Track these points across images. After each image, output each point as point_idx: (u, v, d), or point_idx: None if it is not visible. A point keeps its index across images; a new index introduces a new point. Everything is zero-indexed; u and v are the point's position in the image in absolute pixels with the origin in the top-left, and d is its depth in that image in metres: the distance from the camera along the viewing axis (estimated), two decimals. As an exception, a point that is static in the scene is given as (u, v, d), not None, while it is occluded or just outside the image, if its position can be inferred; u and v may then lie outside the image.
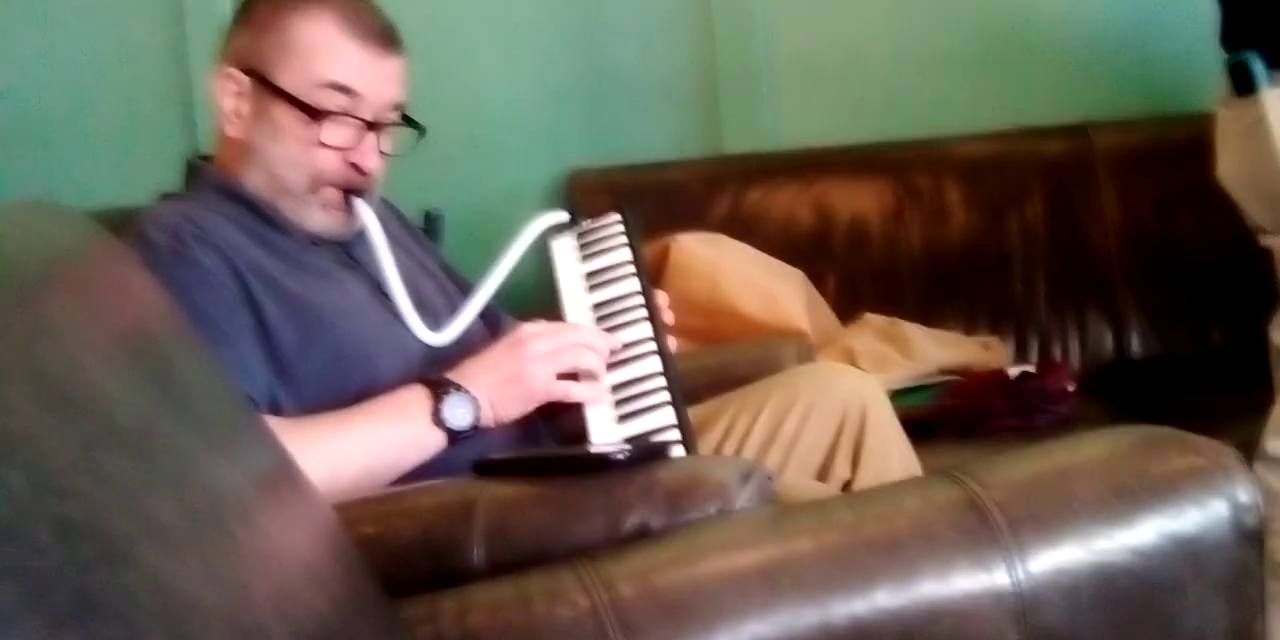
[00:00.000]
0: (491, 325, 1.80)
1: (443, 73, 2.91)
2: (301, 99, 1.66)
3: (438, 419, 1.56)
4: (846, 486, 1.76)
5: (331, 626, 0.95)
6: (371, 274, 1.72)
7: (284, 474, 1.11)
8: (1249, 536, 1.19)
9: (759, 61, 3.06)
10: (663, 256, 2.67)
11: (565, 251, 1.82)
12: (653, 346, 1.66)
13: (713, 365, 2.10)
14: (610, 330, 1.69)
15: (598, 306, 1.73)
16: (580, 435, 1.60)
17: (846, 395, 1.80)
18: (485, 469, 1.43)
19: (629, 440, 1.55)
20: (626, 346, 1.66)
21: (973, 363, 2.65)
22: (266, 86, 1.68)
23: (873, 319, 2.75)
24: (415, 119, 1.75)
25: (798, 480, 1.74)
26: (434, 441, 1.57)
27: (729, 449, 1.79)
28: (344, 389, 1.59)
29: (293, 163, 1.68)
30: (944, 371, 2.62)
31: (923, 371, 2.60)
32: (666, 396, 1.60)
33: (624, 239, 1.80)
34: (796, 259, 2.79)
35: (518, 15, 3.08)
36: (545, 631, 1.13)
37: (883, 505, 1.22)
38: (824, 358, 2.50)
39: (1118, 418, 2.42)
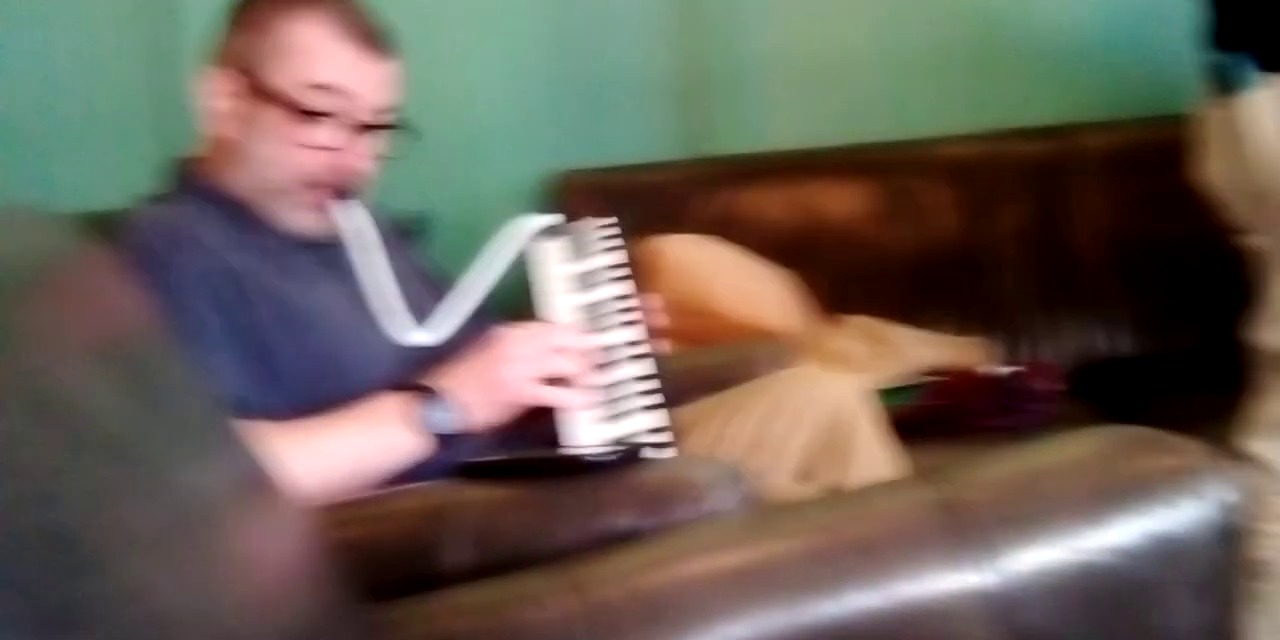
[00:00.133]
0: (479, 330, 1.80)
1: (430, 74, 2.89)
2: (292, 99, 1.66)
3: (419, 425, 1.56)
4: (832, 490, 1.76)
5: (311, 631, 0.95)
6: (353, 275, 1.72)
7: (262, 480, 1.11)
8: (1228, 536, 1.19)
9: (746, 63, 3.06)
10: (648, 258, 2.66)
11: (551, 254, 1.82)
12: (640, 349, 1.66)
13: (697, 366, 2.10)
14: (598, 332, 1.69)
15: (584, 310, 1.73)
16: (558, 439, 1.60)
17: (833, 400, 1.80)
18: (466, 472, 1.44)
19: (612, 443, 1.55)
20: (613, 349, 1.66)
21: (957, 363, 2.66)
22: (258, 87, 1.68)
23: (858, 320, 2.75)
24: (407, 123, 1.75)
25: (784, 483, 1.74)
26: (413, 446, 1.56)
27: (714, 452, 1.78)
28: (327, 392, 1.59)
29: (282, 163, 1.68)
30: (929, 372, 2.63)
31: (908, 372, 2.60)
32: (652, 399, 1.60)
33: (613, 241, 1.79)
34: (783, 260, 2.79)
35: (504, 17, 3.07)
36: (526, 635, 1.13)
37: (859, 507, 1.23)
38: (809, 359, 2.50)
39: (1100, 418, 2.42)
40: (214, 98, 1.71)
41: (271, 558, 0.99)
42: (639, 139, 3.08)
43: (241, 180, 1.70)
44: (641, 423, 1.58)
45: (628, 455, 1.40)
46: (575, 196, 2.88)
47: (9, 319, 0.84)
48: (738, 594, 1.12)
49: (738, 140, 3.06)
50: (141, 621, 0.73)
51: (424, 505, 1.36)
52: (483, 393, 1.59)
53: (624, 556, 1.21)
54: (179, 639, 0.76)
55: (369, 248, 1.69)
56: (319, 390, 1.59)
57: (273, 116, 1.67)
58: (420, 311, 1.72)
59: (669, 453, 1.54)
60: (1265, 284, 2.11)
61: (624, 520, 1.27)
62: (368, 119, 1.70)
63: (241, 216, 1.69)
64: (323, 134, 1.67)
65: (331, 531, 1.22)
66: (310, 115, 1.66)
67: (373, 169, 1.73)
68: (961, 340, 2.76)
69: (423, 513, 1.34)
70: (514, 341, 1.62)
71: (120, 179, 1.82)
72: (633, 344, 1.66)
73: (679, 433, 1.60)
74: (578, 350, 1.63)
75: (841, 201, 2.91)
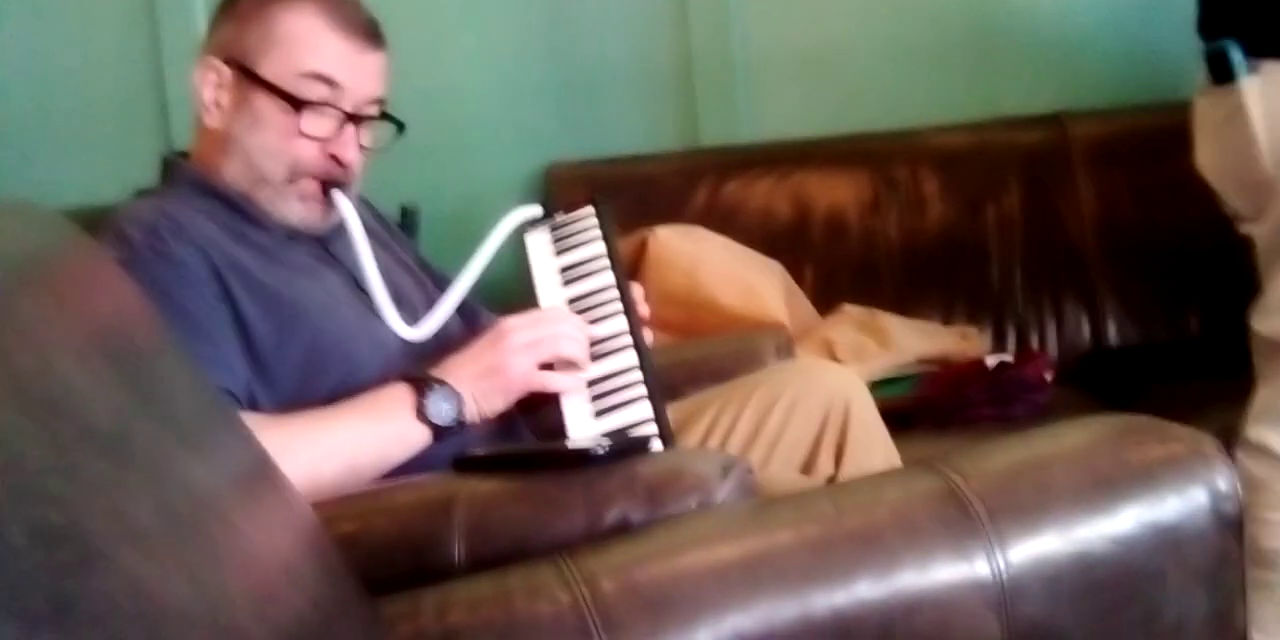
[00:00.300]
0: (469, 320, 1.80)
1: (419, 67, 2.90)
2: (282, 88, 1.66)
3: (421, 415, 1.56)
4: (830, 482, 1.76)
5: (311, 625, 0.95)
6: (349, 269, 1.72)
7: (262, 473, 1.10)
8: (1228, 524, 1.19)
9: (735, 54, 3.06)
10: (640, 249, 2.66)
11: (540, 245, 1.81)
12: (629, 340, 1.66)
13: (691, 358, 2.10)
14: (589, 323, 1.69)
15: (573, 300, 1.73)
16: (559, 430, 1.60)
17: (830, 391, 1.80)
18: (464, 465, 1.43)
19: (608, 435, 1.55)
20: (603, 340, 1.66)
21: (951, 353, 2.66)
22: (248, 77, 1.68)
23: (851, 310, 2.75)
24: (395, 115, 1.75)
25: (781, 475, 1.74)
26: (418, 437, 1.56)
27: (713, 444, 1.79)
28: (321, 384, 1.59)
29: (272, 152, 1.68)
30: (922, 361, 2.63)
31: (901, 362, 2.60)
32: (643, 391, 1.60)
33: (598, 232, 1.79)
34: (774, 251, 2.79)
35: (494, 9, 3.07)
36: (526, 627, 1.13)
37: (863, 497, 1.22)
38: (802, 349, 2.50)
39: (1095, 407, 2.42)
40: (205, 89, 1.70)
41: (272, 552, 0.98)
42: (628, 130, 3.08)
43: (233, 172, 1.69)
44: (635, 414, 1.58)
45: (626, 447, 1.40)
46: (568, 188, 2.88)
47: (5, 314, 0.83)
48: (742, 585, 1.11)
49: (730, 131, 3.06)
50: (141, 616, 0.73)
51: (424, 498, 1.35)
52: (484, 381, 1.59)
53: (625, 548, 1.21)
54: (180, 634, 0.76)
55: (360, 239, 1.68)
56: (316, 380, 1.59)
57: (264, 107, 1.67)
58: (408, 305, 1.72)
59: (663, 444, 1.53)
60: (1261, 272, 2.11)
61: (624, 512, 1.27)
62: (358, 109, 1.70)
63: (232, 209, 1.68)
64: (314, 124, 1.67)
65: (331, 525, 1.21)
66: (301, 105, 1.66)
67: (363, 160, 1.72)
68: (954, 329, 2.76)
69: (423, 506, 1.34)
70: (515, 329, 1.62)
71: (120, 174, 1.82)
72: (622, 335, 1.66)
73: (674, 424, 1.60)
74: (578, 335, 1.63)
75: (834, 191, 2.91)
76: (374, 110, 1.73)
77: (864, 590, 1.11)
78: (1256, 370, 2.09)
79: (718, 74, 3.06)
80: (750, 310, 2.60)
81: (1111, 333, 2.81)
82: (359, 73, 1.70)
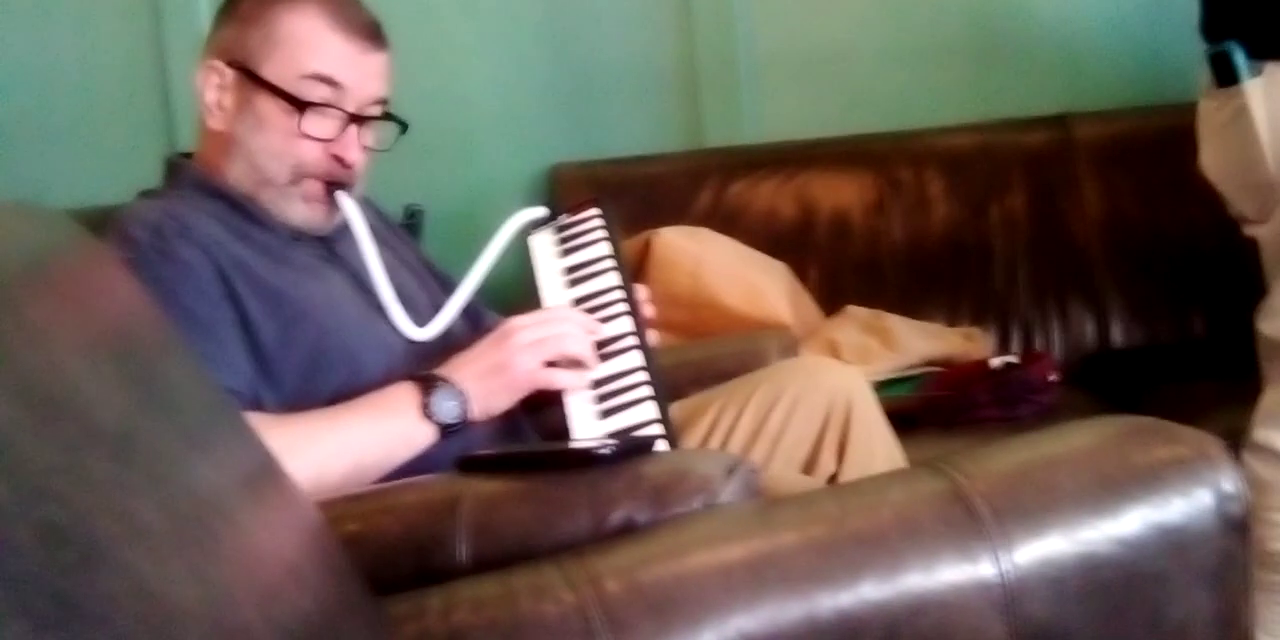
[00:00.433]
0: (473, 321, 1.80)
1: (424, 68, 2.90)
2: (285, 89, 1.66)
3: (426, 413, 1.56)
4: (832, 480, 1.76)
5: (316, 625, 0.95)
6: (353, 269, 1.72)
7: (267, 473, 1.10)
8: (1234, 525, 1.19)
9: (739, 54, 3.06)
10: (645, 250, 2.67)
11: (544, 246, 1.81)
12: (634, 341, 1.66)
13: (696, 359, 2.10)
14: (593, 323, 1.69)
15: (578, 302, 1.73)
16: (563, 430, 1.60)
17: (832, 389, 1.80)
18: (469, 465, 1.43)
19: (613, 435, 1.55)
20: (608, 341, 1.66)
21: (955, 354, 2.66)
22: (251, 78, 1.68)
23: (855, 311, 2.75)
24: (399, 115, 1.75)
25: (784, 474, 1.74)
26: (423, 436, 1.56)
27: (715, 443, 1.79)
28: (326, 383, 1.59)
29: (275, 154, 1.68)
30: (927, 362, 2.62)
31: (906, 363, 2.60)
32: (648, 391, 1.60)
33: (603, 233, 1.79)
34: (779, 251, 2.79)
35: (499, 10, 3.07)
36: (531, 628, 1.12)
37: (868, 498, 1.22)
38: (807, 350, 2.50)
39: (1100, 408, 2.42)
40: (208, 90, 1.70)
41: (277, 551, 0.98)
42: (633, 131, 3.08)
43: (237, 173, 1.69)
44: (640, 414, 1.58)
45: (631, 448, 1.40)
46: (571, 189, 2.88)
47: (11, 315, 0.83)
48: (747, 586, 1.11)
49: (734, 132, 3.06)
50: (146, 616, 0.73)
51: (429, 498, 1.35)
52: (490, 379, 1.59)
53: (630, 549, 1.21)
54: (184, 634, 0.76)
55: (365, 239, 1.68)
56: (321, 379, 1.59)
57: (267, 108, 1.67)
58: (412, 305, 1.72)
59: (667, 444, 1.53)
60: (1266, 274, 2.11)
61: (629, 512, 1.27)
62: (361, 110, 1.70)
63: (236, 209, 1.68)
64: (316, 125, 1.67)
65: (336, 525, 1.21)
66: (304, 104, 1.66)
67: (367, 160, 1.72)
68: (959, 331, 2.76)
69: (427, 506, 1.33)
70: (520, 327, 1.62)
71: (124, 174, 1.82)
72: (627, 335, 1.66)
73: (678, 424, 1.59)
74: (585, 332, 1.63)
75: (838, 192, 2.91)
76: (377, 111, 1.73)
77: (869, 591, 1.11)
78: (1263, 372, 2.09)
79: (722, 75, 3.06)
80: (755, 311, 2.60)
81: (1116, 334, 2.81)
82: (361, 73, 1.70)
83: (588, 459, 1.36)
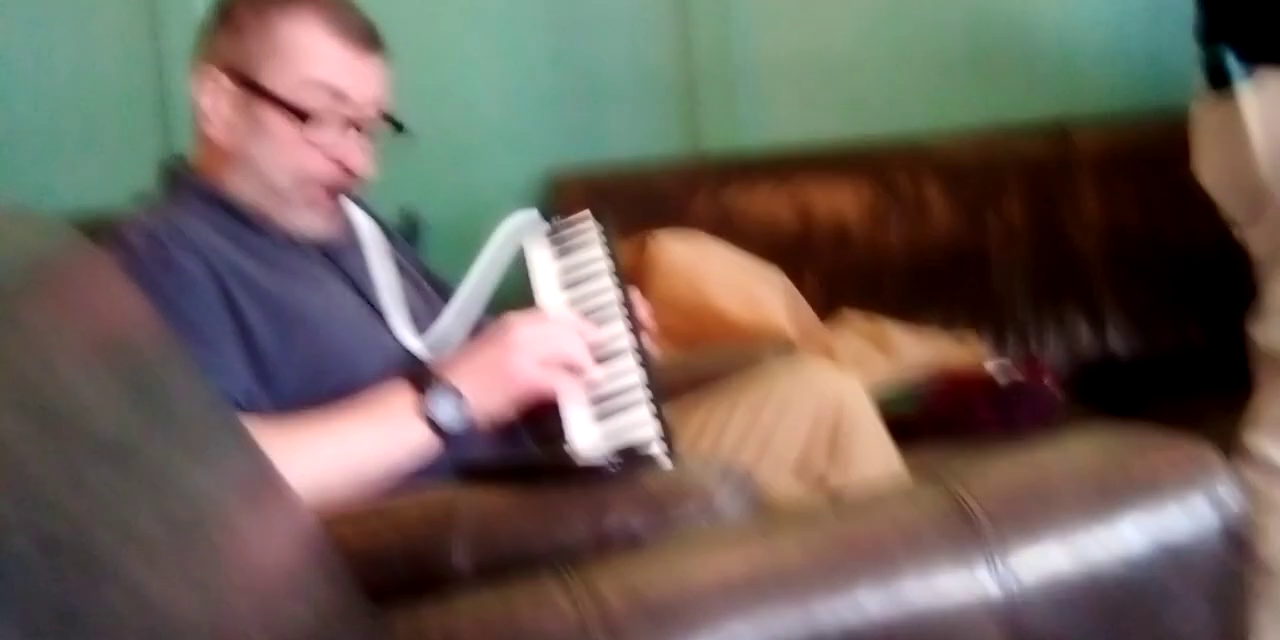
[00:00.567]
0: (474, 327, 1.79)
1: (421, 73, 2.89)
2: (288, 100, 1.66)
3: (423, 413, 1.55)
4: (822, 480, 1.75)
5: (315, 635, 0.95)
6: (351, 275, 1.72)
7: (265, 481, 1.10)
8: (1233, 537, 1.19)
9: (738, 60, 3.06)
10: (642, 256, 2.66)
11: (540, 252, 1.81)
12: (630, 346, 1.65)
13: (693, 365, 2.10)
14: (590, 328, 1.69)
15: (573, 305, 1.72)
16: (559, 434, 1.59)
17: (822, 388, 1.80)
18: (469, 474, 1.43)
19: (612, 445, 1.54)
20: (604, 346, 1.65)
21: (954, 362, 2.65)
22: (252, 88, 1.67)
23: (854, 318, 2.75)
24: (401, 119, 1.75)
25: (775, 476, 1.73)
26: (420, 437, 1.56)
27: (705, 443, 1.78)
28: (325, 390, 1.59)
29: (281, 164, 1.67)
30: (925, 371, 2.62)
31: (904, 370, 2.60)
32: (645, 395, 1.60)
33: (599, 238, 1.79)
34: (776, 258, 2.79)
35: (498, 15, 3.07)
36: (530, 638, 1.12)
37: (868, 510, 1.22)
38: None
39: (1099, 417, 2.42)
40: (205, 99, 1.69)
41: (275, 561, 0.98)
42: (631, 137, 3.08)
43: (239, 182, 1.69)
44: (636, 420, 1.58)
45: (630, 458, 1.40)
46: (571, 195, 2.88)
47: (10, 323, 0.83)
48: (747, 597, 1.11)
49: (732, 138, 3.06)
50: (147, 627, 0.73)
51: (428, 508, 1.35)
52: (486, 376, 1.59)
53: (629, 560, 1.21)
54: (184, 645, 0.76)
55: (371, 246, 1.68)
56: (320, 386, 1.58)
57: (269, 117, 1.67)
58: (416, 311, 1.72)
59: (668, 452, 1.53)
60: (1257, 277, 2.11)
61: (626, 522, 1.27)
62: (364, 116, 1.69)
63: (234, 217, 1.68)
64: (320, 133, 1.66)
65: (334, 533, 1.21)
66: (308, 114, 1.65)
67: (370, 166, 1.72)
68: (958, 339, 2.76)
69: (427, 516, 1.33)
70: (518, 327, 1.61)
71: (121, 179, 1.81)
72: (623, 340, 1.65)
73: (676, 431, 1.59)
74: (583, 337, 1.63)
75: (837, 199, 2.90)
76: (379, 115, 1.73)
77: (868, 603, 1.11)
78: (1254, 377, 2.09)
79: (720, 80, 3.06)
80: (752, 317, 2.60)
81: (1115, 342, 2.80)
82: (362, 79, 1.70)
83: (588, 469, 1.36)
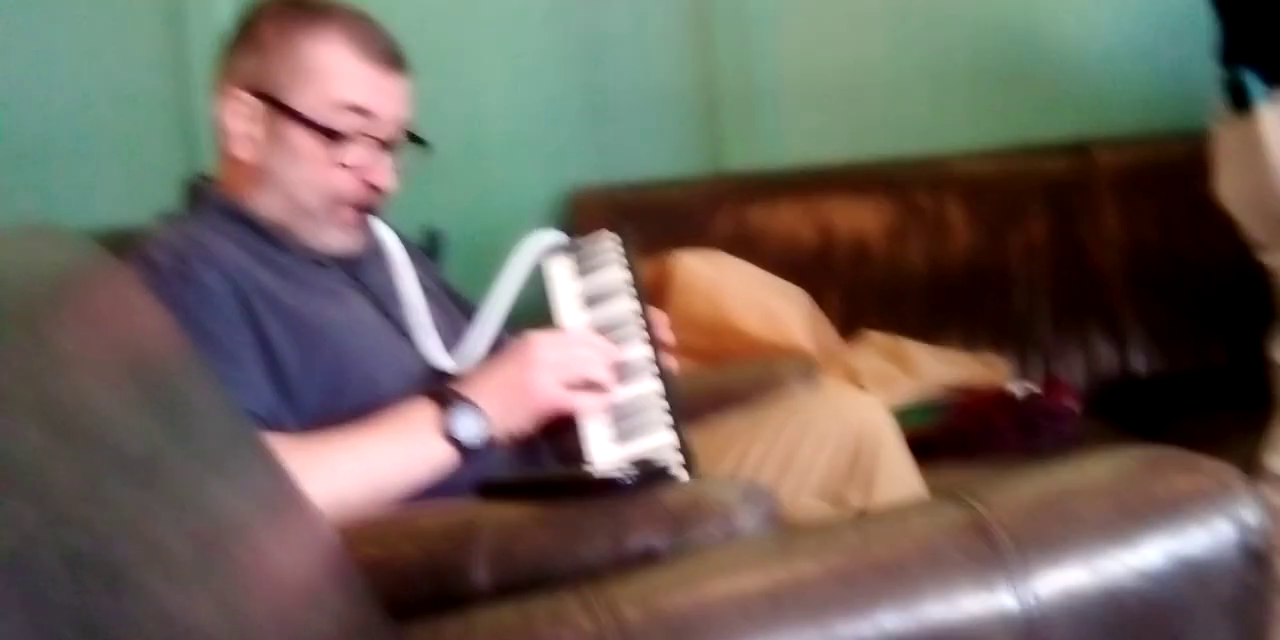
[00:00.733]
0: (494, 347, 1.79)
1: (444, 92, 2.91)
2: (316, 120, 1.66)
3: (445, 431, 1.56)
4: (846, 504, 1.75)
5: (336, 651, 0.95)
6: (376, 293, 1.73)
7: (287, 497, 1.11)
8: (1254, 557, 1.18)
9: (760, 79, 3.06)
10: (664, 275, 2.66)
11: (561, 270, 1.82)
12: (651, 365, 1.66)
13: (714, 383, 2.10)
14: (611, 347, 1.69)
15: (594, 324, 1.73)
16: (579, 454, 1.59)
17: (847, 413, 1.80)
18: (488, 491, 1.43)
19: (634, 463, 1.54)
20: (625, 365, 1.66)
21: (975, 380, 2.65)
22: (280, 109, 1.68)
23: (875, 337, 2.74)
24: (425, 138, 1.75)
25: (797, 498, 1.73)
26: (442, 455, 1.56)
27: (727, 465, 1.78)
28: (346, 405, 1.59)
29: (312, 185, 1.68)
30: (946, 390, 2.62)
31: (924, 390, 2.59)
32: (666, 415, 1.60)
33: (620, 256, 1.79)
34: (798, 277, 2.79)
35: (519, 34, 3.08)
36: (550, 654, 1.12)
37: (888, 527, 1.22)
38: (826, 376, 2.49)
39: (1120, 437, 2.41)
40: (232, 120, 1.70)
41: (297, 576, 0.98)
42: (653, 156, 3.08)
43: (267, 201, 1.69)
44: (657, 439, 1.58)
45: (650, 475, 1.40)
46: (590, 213, 2.88)
47: (36, 340, 0.84)
48: (766, 615, 1.11)
49: (753, 156, 3.06)
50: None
51: (448, 524, 1.35)
52: (508, 395, 1.59)
53: (649, 576, 1.21)
54: (206, 660, 0.76)
55: (401, 265, 1.69)
56: (342, 403, 1.59)
57: (299, 140, 1.67)
58: (439, 329, 1.72)
59: (688, 470, 1.53)
60: (1277, 300, 2.11)
61: (647, 539, 1.27)
62: (391, 135, 1.70)
63: (258, 233, 1.68)
64: (350, 153, 1.67)
65: (355, 549, 1.22)
66: (339, 136, 1.66)
67: (396, 185, 1.73)
68: (978, 358, 2.75)
69: (446, 532, 1.34)
70: (541, 347, 1.62)
71: (149, 198, 1.82)
72: (644, 360, 1.66)
73: (697, 450, 1.59)
74: (604, 356, 1.63)
75: (857, 218, 2.90)
76: (404, 135, 1.74)
77: (888, 621, 1.11)
78: (1275, 397, 2.09)
79: (742, 99, 3.06)
80: (773, 336, 2.60)
81: (1136, 361, 2.80)
82: (388, 99, 1.70)
83: (608, 485, 1.36)
